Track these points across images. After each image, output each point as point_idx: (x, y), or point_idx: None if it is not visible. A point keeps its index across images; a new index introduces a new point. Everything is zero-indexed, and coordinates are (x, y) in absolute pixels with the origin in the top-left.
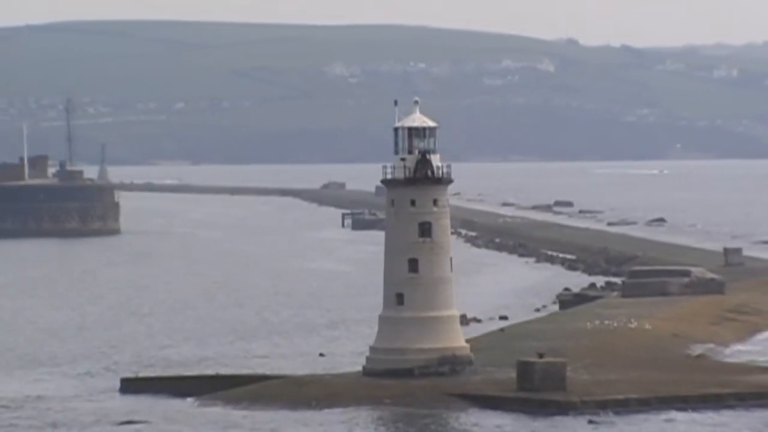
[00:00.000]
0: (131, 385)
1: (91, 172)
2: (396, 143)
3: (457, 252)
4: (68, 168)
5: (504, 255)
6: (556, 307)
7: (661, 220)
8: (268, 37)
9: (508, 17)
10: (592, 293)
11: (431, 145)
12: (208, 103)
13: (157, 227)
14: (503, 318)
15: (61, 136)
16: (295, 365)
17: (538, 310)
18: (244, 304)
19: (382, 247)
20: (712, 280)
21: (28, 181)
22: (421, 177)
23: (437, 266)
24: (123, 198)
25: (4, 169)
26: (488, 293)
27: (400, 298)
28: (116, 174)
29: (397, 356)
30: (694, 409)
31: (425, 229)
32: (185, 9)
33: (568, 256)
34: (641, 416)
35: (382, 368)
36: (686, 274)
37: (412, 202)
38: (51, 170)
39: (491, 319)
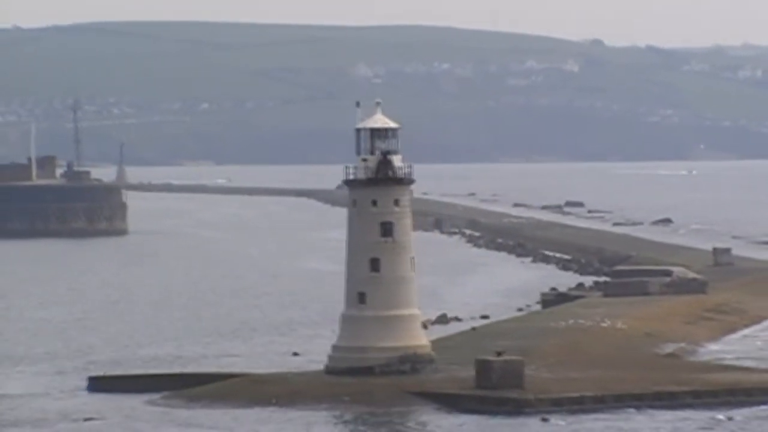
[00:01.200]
0: (98, 384)
1: (112, 172)
2: (358, 144)
3: (456, 252)
4: (75, 168)
5: (503, 255)
6: (539, 307)
7: (667, 220)
8: (292, 38)
9: (534, 18)
10: (574, 293)
11: (393, 146)
12: (232, 103)
13: (165, 228)
14: (484, 317)
15: (86, 136)
16: (265, 364)
17: (521, 309)
18: (232, 304)
19: None
20: (694, 279)
21: (36, 181)
22: (383, 177)
23: (399, 266)
24: (132, 198)
25: (12, 169)
26: (476, 293)
27: (361, 297)
28: (137, 174)
29: (358, 354)
30: (650, 406)
31: (387, 229)
32: (210, 10)
33: (565, 256)
34: (595, 414)
35: (343, 366)
36: (668, 273)
37: (374, 203)
38: (59, 170)
39: (472, 318)
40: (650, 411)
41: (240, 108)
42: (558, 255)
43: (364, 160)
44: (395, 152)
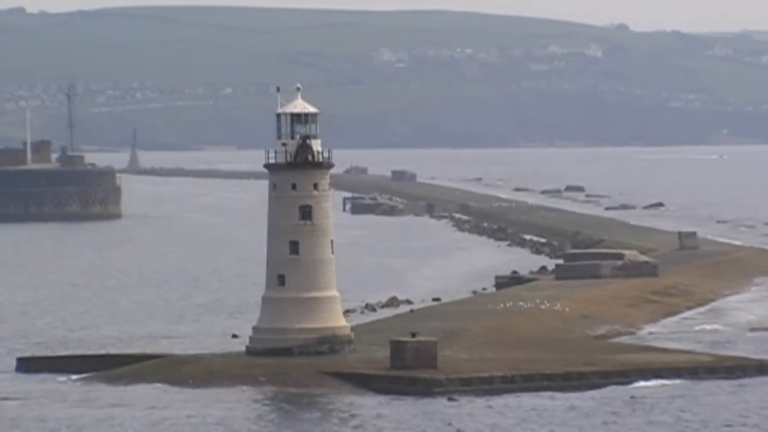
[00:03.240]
0: (26, 364)
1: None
2: (278, 129)
3: (437, 236)
4: (69, 153)
5: (483, 239)
6: (494, 290)
7: (659, 204)
8: (315, 23)
9: (557, 2)
10: (528, 276)
11: (312, 131)
12: (255, 88)
13: (160, 212)
14: (436, 300)
15: (108, 120)
16: (201, 346)
17: (475, 292)
18: (198, 288)
19: (373, 231)
20: (645, 263)
21: (30, 165)
22: (302, 161)
23: (318, 248)
24: (137, 182)
25: (7, 154)
26: (440, 276)
27: (281, 279)
28: (153, 159)
29: (277, 336)
30: (560, 386)
31: (306, 212)
32: None
33: (541, 240)
34: (504, 393)
35: (262, 347)
36: (619, 257)
37: (293, 186)
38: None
39: (423, 301)
40: (559, 390)
41: (263, 93)
42: (535, 239)
43: (284, 144)
44: (315, 137)
